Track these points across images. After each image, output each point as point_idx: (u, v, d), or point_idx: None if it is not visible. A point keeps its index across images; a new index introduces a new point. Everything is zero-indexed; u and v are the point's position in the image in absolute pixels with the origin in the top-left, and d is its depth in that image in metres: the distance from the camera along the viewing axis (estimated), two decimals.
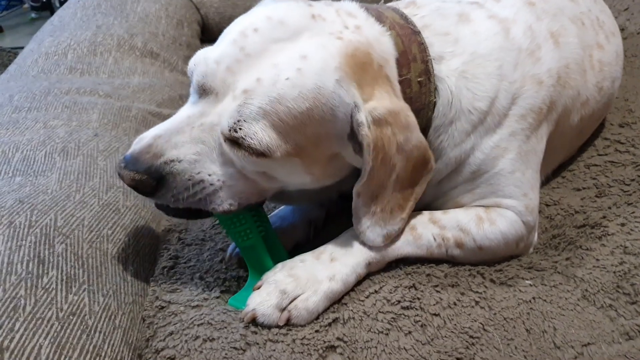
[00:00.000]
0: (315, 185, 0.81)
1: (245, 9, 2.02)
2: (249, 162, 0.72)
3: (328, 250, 0.82)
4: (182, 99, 1.51)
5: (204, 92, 0.72)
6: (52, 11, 4.03)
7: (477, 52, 0.84)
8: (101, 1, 1.73)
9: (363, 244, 0.82)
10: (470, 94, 0.83)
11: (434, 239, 0.84)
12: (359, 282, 0.81)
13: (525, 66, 0.87)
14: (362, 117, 0.71)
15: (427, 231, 0.85)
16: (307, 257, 0.81)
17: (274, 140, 0.69)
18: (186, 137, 0.72)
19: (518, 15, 0.90)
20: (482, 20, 0.87)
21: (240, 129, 0.68)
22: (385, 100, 0.73)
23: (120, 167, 0.72)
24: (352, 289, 0.81)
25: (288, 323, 0.75)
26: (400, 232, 0.82)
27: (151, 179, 0.71)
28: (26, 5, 4.44)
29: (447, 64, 0.83)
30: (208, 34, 2.09)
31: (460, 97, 0.83)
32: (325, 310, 0.77)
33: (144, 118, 1.29)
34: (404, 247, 0.84)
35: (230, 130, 0.69)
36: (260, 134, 0.68)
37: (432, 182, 0.86)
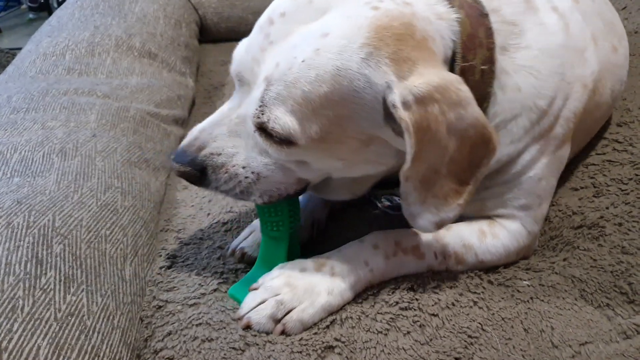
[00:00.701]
0: (353, 172, 0.79)
1: (244, 9, 2.02)
2: (279, 151, 0.71)
3: (330, 262, 0.80)
4: (180, 99, 1.51)
5: (240, 81, 0.74)
6: (50, 12, 4.03)
7: (543, 48, 0.80)
8: (99, 2, 1.73)
9: (366, 263, 0.80)
10: (535, 91, 0.80)
11: (436, 257, 0.84)
12: None
13: (577, 67, 0.85)
14: (395, 98, 0.64)
15: (429, 250, 0.84)
16: (308, 266, 0.80)
17: (296, 126, 0.67)
18: (225, 130, 0.75)
19: (572, 11, 0.87)
20: (547, 12, 0.83)
21: (262, 114, 0.68)
22: (430, 75, 0.65)
23: (170, 159, 0.77)
24: None
25: (282, 334, 0.75)
26: (455, 219, 0.74)
27: (194, 170, 0.75)
28: (24, 6, 4.44)
29: (512, 56, 0.79)
30: (206, 34, 2.09)
31: (526, 93, 0.79)
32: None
33: (142, 118, 1.29)
34: (405, 266, 0.83)
35: (255, 117, 0.69)
36: (282, 119, 0.66)
37: None
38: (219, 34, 2.10)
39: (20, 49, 1.63)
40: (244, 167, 0.75)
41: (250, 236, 0.90)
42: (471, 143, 0.69)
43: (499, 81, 0.78)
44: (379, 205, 0.99)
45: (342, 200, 0.94)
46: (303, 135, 0.67)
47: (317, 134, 0.68)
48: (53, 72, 1.39)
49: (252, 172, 0.75)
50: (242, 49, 0.73)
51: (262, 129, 0.70)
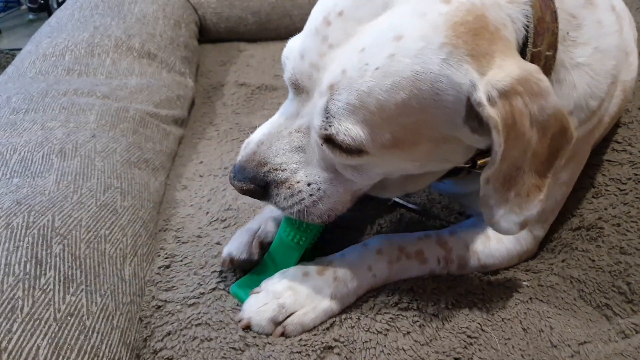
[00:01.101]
0: (422, 171, 0.75)
1: (243, 9, 2.02)
2: (347, 159, 0.67)
3: (333, 267, 0.79)
4: (179, 100, 1.51)
5: (296, 88, 0.69)
6: (49, 13, 4.02)
7: (600, 47, 0.77)
8: (98, 2, 1.72)
9: (369, 269, 0.80)
10: (589, 90, 0.77)
11: (439, 262, 0.84)
12: None
13: (623, 70, 0.83)
14: (481, 95, 0.60)
15: (433, 255, 0.84)
16: (311, 270, 0.79)
17: (368, 136, 0.62)
18: (286, 143, 0.71)
19: (625, 13, 0.84)
20: (606, 10, 0.79)
21: (330, 126, 0.63)
22: (510, 66, 0.61)
23: (231, 177, 0.74)
24: None
25: (281, 336, 0.74)
26: (536, 216, 0.70)
27: (258, 187, 0.72)
28: (24, 7, 4.43)
29: (570, 50, 0.75)
30: (206, 35, 2.08)
31: (580, 91, 0.76)
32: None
33: (142, 119, 1.29)
34: (408, 271, 0.83)
35: (321, 129, 0.65)
36: (352, 130, 0.62)
37: None
38: (218, 34, 2.09)
39: (20, 49, 1.63)
40: (309, 184, 0.72)
41: (235, 240, 0.86)
42: (552, 134, 0.66)
43: (556, 74, 0.74)
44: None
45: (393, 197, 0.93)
46: (375, 144, 0.63)
47: (390, 141, 0.64)
48: (52, 72, 1.39)
49: (318, 189, 0.72)
50: (295, 54, 0.67)
51: (329, 140, 0.66)
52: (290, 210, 0.74)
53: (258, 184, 0.72)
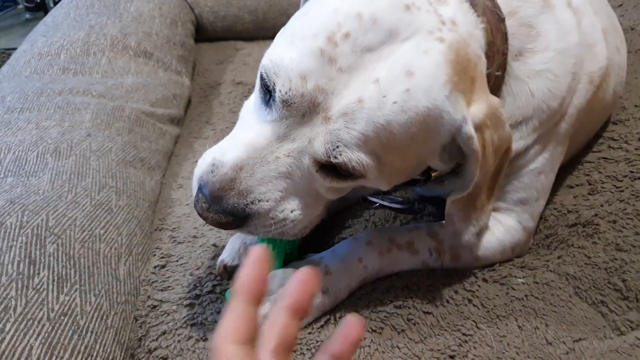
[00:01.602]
0: (385, 189, 0.78)
1: (240, 8, 2.02)
2: (337, 185, 0.68)
3: (323, 262, 0.80)
4: (175, 99, 1.51)
5: (288, 110, 0.63)
6: (46, 12, 4.01)
7: (559, 49, 0.80)
8: (94, 1, 1.72)
9: (360, 260, 0.80)
10: (549, 93, 0.79)
11: (430, 253, 0.84)
12: None
13: (587, 63, 0.84)
14: (470, 130, 0.64)
15: (424, 246, 0.84)
16: (302, 267, 0.79)
17: (375, 164, 0.63)
18: (272, 169, 0.65)
19: (585, 5, 0.86)
20: (562, 9, 0.81)
21: (340, 154, 0.61)
22: (483, 103, 0.66)
23: (203, 209, 0.66)
24: None
25: None
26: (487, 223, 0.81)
27: (237, 219, 0.66)
28: (20, 6, 4.42)
29: (527, 62, 0.78)
30: (202, 33, 2.08)
31: (539, 97, 0.79)
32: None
33: (138, 118, 1.29)
34: (400, 263, 0.83)
35: (327, 157, 0.62)
36: (364, 160, 0.61)
37: None
38: (215, 33, 2.09)
39: (16, 49, 1.62)
40: (292, 211, 0.69)
41: (227, 248, 0.86)
42: (501, 154, 0.72)
43: (509, 87, 0.78)
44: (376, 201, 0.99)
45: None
46: (376, 171, 0.64)
47: (388, 168, 0.65)
48: (48, 71, 1.38)
49: (300, 214, 0.70)
50: (293, 74, 0.61)
51: (326, 166, 0.65)
52: (266, 235, 0.72)
53: (238, 216, 0.66)
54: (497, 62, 0.73)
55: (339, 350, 0.43)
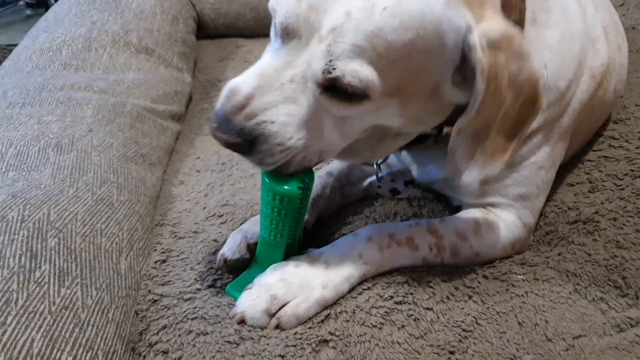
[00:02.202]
0: (401, 129, 0.75)
1: (241, 5, 2.02)
2: (342, 111, 0.67)
3: (323, 257, 0.80)
4: (177, 95, 1.51)
5: (287, 35, 0.65)
6: (47, 8, 4.01)
7: (567, 32, 0.80)
8: None
9: (360, 256, 0.80)
10: (559, 72, 0.79)
11: (431, 249, 0.84)
12: None
13: (589, 55, 0.85)
14: (475, 39, 0.62)
15: (424, 242, 0.84)
16: (302, 262, 0.79)
17: (375, 78, 0.61)
18: (277, 95, 0.66)
19: (587, 0, 0.87)
20: None
21: (334, 68, 0.61)
22: (499, 22, 0.64)
23: (213, 128, 0.68)
24: None
25: (276, 328, 0.74)
26: (498, 177, 0.75)
27: (244, 141, 0.68)
28: (21, 3, 4.42)
29: (540, 32, 0.77)
30: (204, 30, 2.08)
31: (550, 72, 0.78)
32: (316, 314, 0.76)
33: (139, 114, 1.29)
34: (400, 259, 0.83)
35: (324, 73, 0.62)
36: (361, 72, 0.61)
37: None
38: (216, 30, 2.09)
39: (17, 45, 1.63)
40: (299, 140, 0.69)
41: (228, 242, 0.87)
42: (523, 99, 0.68)
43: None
44: (380, 186, 0.99)
45: (362, 162, 0.92)
46: (380, 87, 0.62)
47: (393, 87, 0.64)
48: (49, 67, 1.39)
49: (303, 144, 0.70)
50: (291, 1, 0.63)
51: (329, 88, 0.65)
52: (272, 166, 0.71)
53: (245, 137, 0.67)
54: (513, 17, 0.70)
55: None
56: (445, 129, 0.78)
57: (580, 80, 0.84)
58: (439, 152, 0.80)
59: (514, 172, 0.85)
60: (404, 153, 0.96)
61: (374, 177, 0.99)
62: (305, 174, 0.75)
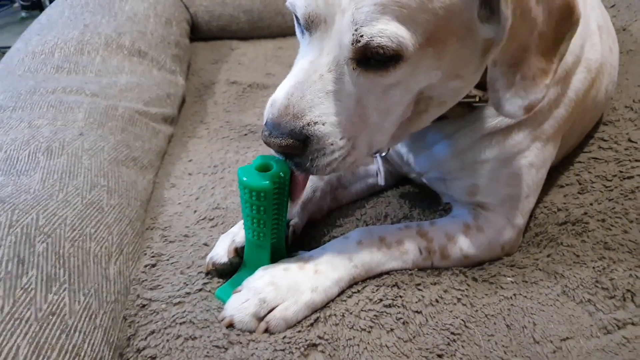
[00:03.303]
0: (440, 91, 0.73)
1: (235, 7, 2.03)
2: (383, 80, 0.66)
3: (313, 260, 0.80)
4: (169, 98, 1.51)
5: (313, 24, 0.66)
6: (42, 10, 4.00)
7: None
8: (89, 0, 1.72)
9: (350, 259, 0.80)
10: None
11: (420, 252, 0.84)
12: None
13: (587, 47, 0.84)
14: None
15: (414, 245, 0.84)
16: (291, 265, 0.79)
17: (404, 32, 0.61)
18: (319, 89, 0.66)
19: None
20: None
21: (361, 36, 0.61)
22: None
23: (265, 136, 0.68)
24: None
25: (265, 332, 0.74)
26: (541, 100, 0.70)
27: (297, 141, 0.67)
28: (16, 4, 4.41)
29: None
30: (197, 33, 2.08)
31: None
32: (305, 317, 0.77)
33: (131, 117, 1.29)
34: (390, 262, 0.83)
35: (353, 44, 0.63)
36: (388, 29, 0.60)
37: (480, 133, 0.84)
38: (210, 32, 2.09)
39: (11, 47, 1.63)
40: (349, 139, 0.69)
41: (217, 245, 0.88)
42: (557, 14, 0.66)
43: None
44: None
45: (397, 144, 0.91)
46: (412, 41, 0.62)
47: (423, 36, 0.63)
48: (42, 70, 1.38)
49: (352, 144, 0.70)
50: None
51: (362, 61, 0.65)
52: (325, 169, 0.71)
53: (297, 138, 0.67)
54: None
55: None
56: (478, 95, 0.78)
57: (578, 71, 0.84)
58: (445, 133, 0.83)
59: (506, 168, 0.85)
60: (404, 147, 0.95)
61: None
62: (281, 169, 0.75)
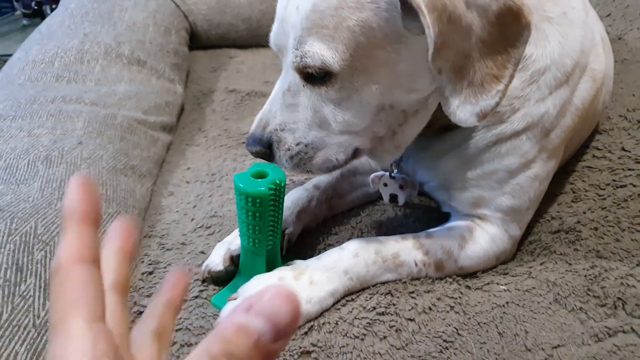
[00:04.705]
0: (390, 99, 0.74)
1: (234, 16, 2.05)
2: (328, 94, 0.73)
3: (308, 271, 0.80)
4: (168, 106, 1.52)
5: (280, 51, 0.76)
6: (43, 18, 4.03)
7: (569, 15, 0.80)
8: (89, 9, 1.74)
9: (345, 272, 0.81)
10: (561, 48, 0.80)
11: (416, 264, 0.85)
12: None
13: (591, 57, 0.86)
14: None
15: (410, 258, 0.84)
16: (287, 274, 0.80)
17: (324, 50, 0.67)
18: (280, 104, 0.78)
19: (589, 7, 0.89)
20: None
21: (296, 57, 0.70)
22: None
23: (246, 146, 0.82)
24: None
25: None
26: (497, 107, 0.69)
27: (263, 148, 0.79)
28: (18, 12, 4.44)
29: (544, 7, 0.79)
30: (197, 41, 2.10)
31: (553, 46, 0.79)
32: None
33: (130, 125, 1.30)
34: (385, 274, 0.84)
35: (294, 64, 0.71)
36: (311, 50, 0.68)
37: (487, 141, 0.84)
38: (209, 41, 2.11)
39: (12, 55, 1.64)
40: (306, 145, 0.78)
41: (213, 253, 0.89)
42: (499, 20, 0.65)
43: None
44: (387, 184, 0.99)
45: (392, 161, 0.93)
46: (336, 58, 0.68)
47: (346, 52, 0.67)
48: (42, 79, 1.40)
49: (312, 148, 0.78)
50: (274, 25, 0.75)
51: (309, 77, 0.73)
52: (296, 169, 0.80)
53: (263, 146, 0.79)
54: None
55: (171, 296, 0.44)
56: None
57: (582, 80, 0.85)
58: (452, 142, 0.86)
59: (511, 180, 0.85)
60: (410, 160, 0.95)
61: (382, 173, 0.98)
62: (277, 176, 0.77)
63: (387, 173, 0.97)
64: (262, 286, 0.78)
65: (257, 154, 0.81)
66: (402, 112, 0.77)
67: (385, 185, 0.99)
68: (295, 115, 0.77)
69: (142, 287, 0.87)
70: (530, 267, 0.88)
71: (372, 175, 1.00)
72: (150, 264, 0.92)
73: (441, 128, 0.85)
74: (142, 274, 0.90)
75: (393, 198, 0.99)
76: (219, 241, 0.93)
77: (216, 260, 0.86)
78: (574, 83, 0.84)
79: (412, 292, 0.82)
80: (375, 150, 0.84)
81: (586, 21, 0.85)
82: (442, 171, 0.90)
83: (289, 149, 0.78)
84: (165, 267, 0.91)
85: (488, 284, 0.85)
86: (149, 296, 0.84)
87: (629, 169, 1.00)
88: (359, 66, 0.69)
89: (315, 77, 0.71)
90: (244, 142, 1.39)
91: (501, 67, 0.68)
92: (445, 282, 0.84)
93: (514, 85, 0.79)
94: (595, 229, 0.90)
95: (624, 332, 0.73)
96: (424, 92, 0.75)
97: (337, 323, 0.77)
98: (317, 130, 0.77)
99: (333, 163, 0.80)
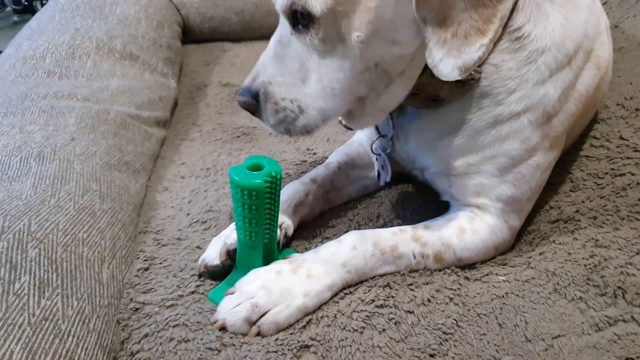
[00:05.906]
0: (382, 51, 0.75)
1: (226, 9, 2.03)
2: (312, 43, 0.74)
3: (306, 264, 0.80)
4: (162, 101, 1.51)
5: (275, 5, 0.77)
6: (34, 14, 3.99)
7: (575, 2, 0.80)
8: (80, 4, 1.71)
9: (343, 265, 0.80)
10: (563, 29, 0.78)
11: (414, 257, 0.84)
12: None
13: (596, 44, 0.85)
14: None
15: (408, 250, 0.84)
16: (284, 268, 0.79)
17: None
18: (270, 56, 0.80)
19: None
20: None
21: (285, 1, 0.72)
22: None
23: (236, 96, 0.84)
24: None
25: (257, 335, 0.74)
26: (480, 61, 0.70)
27: (251, 99, 0.81)
28: (8, 9, 4.39)
29: None
30: (189, 35, 2.08)
31: (554, 26, 0.78)
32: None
33: (123, 121, 1.29)
34: (383, 266, 0.83)
35: (282, 5, 0.73)
36: None
37: (484, 122, 0.82)
38: (202, 34, 2.09)
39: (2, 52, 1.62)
40: (291, 102, 0.79)
41: (209, 248, 0.88)
42: None
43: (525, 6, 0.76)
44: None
45: (373, 125, 0.96)
46: (319, 1, 0.69)
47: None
48: (33, 75, 1.38)
49: (297, 107, 0.79)
50: None
51: (297, 26, 0.74)
52: (278, 129, 0.82)
53: (251, 96, 0.81)
54: None
55: None
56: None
57: (586, 66, 0.83)
58: (449, 122, 0.85)
59: (513, 169, 0.84)
60: (411, 142, 0.94)
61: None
62: (272, 168, 0.77)
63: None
64: (259, 281, 0.77)
65: (244, 104, 0.82)
66: (386, 72, 0.78)
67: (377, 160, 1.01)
68: (283, 67, 0.78)
69: (138, 284, 0.86)
70: (530, 257, 0.87)
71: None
72: (145, 260, 0.91)
73: (431, 100, 0.84)
74: (138, 270, 0.89)
75: (379, 175, 1.00)
76: (215, 236, 0.92)
77: (212, 254, 0.85)
78: (577, 67, 0.82)
79: (411, 284, 0.81)
80: (354, 112, 0.84)
81: (592, 7, 0.84)
82: (442, 155, 0.88)
83: (275, 103, 0.79)
84: (161, 263, 0.90)
85: (487, 274, 0.84)
86: (145, 292, 0.84)
87: (628, 158, 1.00)
88: (340, 11, 0.70)
89: (301, 24, 0.73)
90: (238, 136, 1.39)
91: (486, 20, 0.68)
92: (444, 274, 0.84)
93: (508, 66, 0.78)
94: (594, 217, 0.89)
95: (624, 321, 0.73)
96: (408, 46, 0.74)
97: (335, 316, 0.76)
98: (302, 86, 0.78)
99: (312, 127, 0.81)
